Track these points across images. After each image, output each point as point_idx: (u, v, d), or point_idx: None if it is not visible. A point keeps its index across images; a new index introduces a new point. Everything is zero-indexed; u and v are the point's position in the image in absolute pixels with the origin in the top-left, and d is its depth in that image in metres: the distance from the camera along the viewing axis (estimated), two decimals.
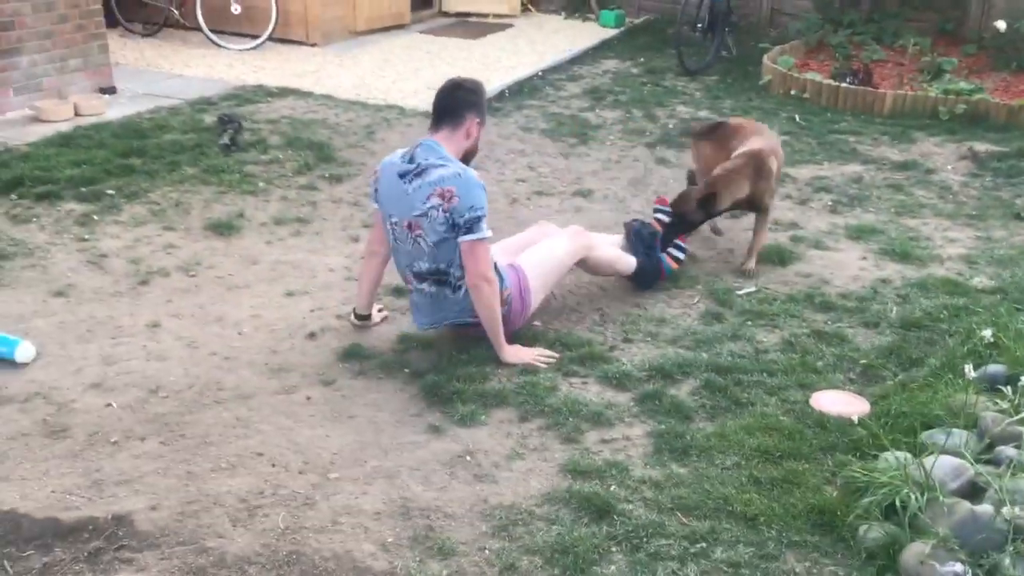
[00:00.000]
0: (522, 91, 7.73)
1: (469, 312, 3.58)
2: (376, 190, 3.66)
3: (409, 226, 3.50)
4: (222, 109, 6.58)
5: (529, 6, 10.91)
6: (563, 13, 10.81)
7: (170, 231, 4.75)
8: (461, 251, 3.45)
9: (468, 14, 10.71)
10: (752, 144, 4.47)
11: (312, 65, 8.29)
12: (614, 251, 4.21)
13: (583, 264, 4.06)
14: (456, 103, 3.58)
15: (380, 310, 3.95)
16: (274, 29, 8.73)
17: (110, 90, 7.00)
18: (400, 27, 9.93)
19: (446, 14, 10.75)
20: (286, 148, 5.99)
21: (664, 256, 4.37)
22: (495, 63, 8.59)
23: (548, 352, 3.63)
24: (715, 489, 2.81)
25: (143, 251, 4.51)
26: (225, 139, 5.93)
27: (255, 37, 8.71)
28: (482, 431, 3.14)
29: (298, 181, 5.49)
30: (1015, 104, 6.92)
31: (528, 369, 3.52)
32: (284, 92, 7.30)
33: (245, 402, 3.29)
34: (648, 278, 4.27)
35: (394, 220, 3.55)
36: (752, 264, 4.46)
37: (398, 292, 4.14)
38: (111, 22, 8.33)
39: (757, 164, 4.36)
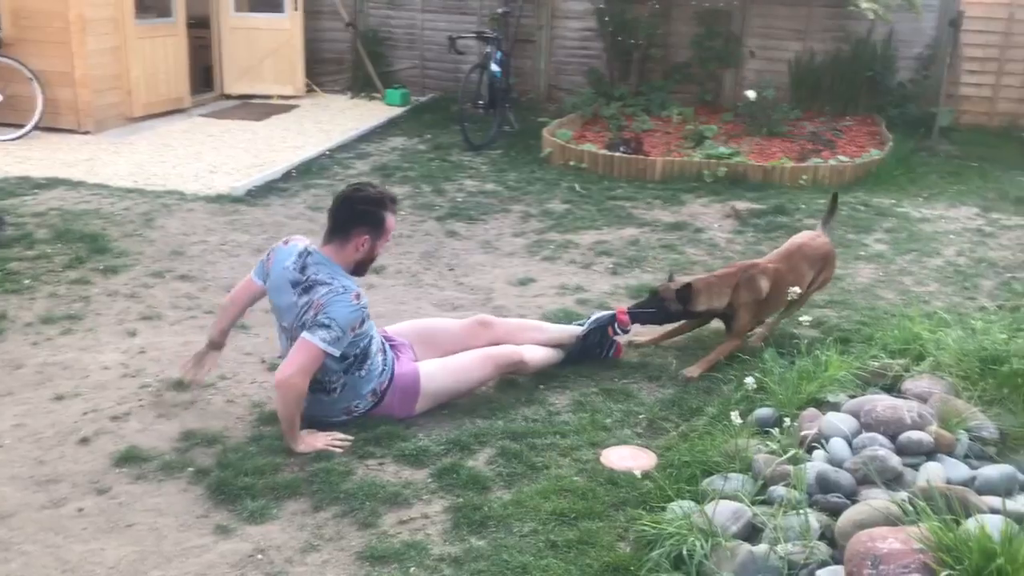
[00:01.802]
0: (310, 170, 7.67)
1: (341, 411, 3.65)
2: (267, 274, 3.71)
3: (292, 334, 3.53)
4: None
5: (314, 87, 10.91)
6: (348, 93, 10.88)
7: None
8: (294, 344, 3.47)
9: (251, 96, 10.58)
10: (764, 259, 4.46)
11: (84, 154, 7.89)
12: (543, 356, 4.14)
13: (512, 373, 4.06)
14: (345, 218, 3.61)
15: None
16: (41, 117, 8.28)
17: None
18: (180, 111, 9.67)
19: (228, 96, 10.57)
20: (55, 242, 5.63)
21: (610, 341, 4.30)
22: (281, 143, 8.50)
23: (341, 436, 3.54)
24: (513, 559, 2.81)
25: None
26: None
27: (19, 126, 8.23)
28: (274, 526, 3.01)
29: (68, 276, 5.16)
30: (768, 165, 7.56)
31: (322, 455, 3.42)
32: (53, 183, 6.90)
33: (6, 522, 3.00)
34: (581, 359, 4.24)
35: (284, 324, 3.63)
36: (695, 372, 4.12)
37: (179, 386, 3.94)
38: None
39: (746, 279, 4.26)
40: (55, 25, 8.33)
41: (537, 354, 4.11)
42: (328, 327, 3.41)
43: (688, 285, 4.23)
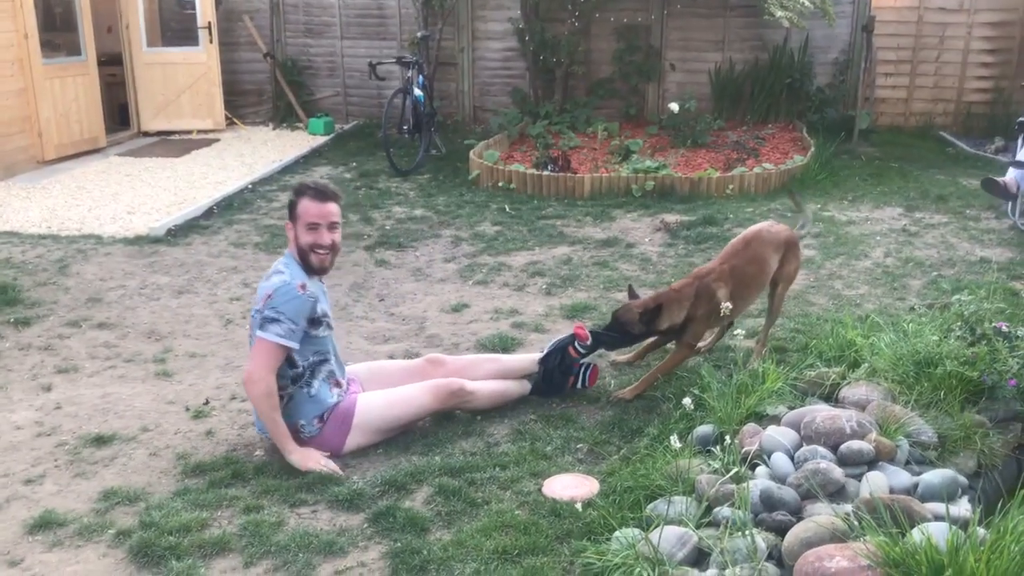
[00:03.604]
0: (232, 206, 7.48)
1: (288, 428, 3.56)
2: None
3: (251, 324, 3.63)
4: None
5: (234, 120, 10.69)
6: (270, 124, 10.70)
7: None
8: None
9: (170, 132, 10.33)
10: (714, 264, 4.19)
11: None
12: (494, 388, 3.97)
13: (461, 408, 3.91)
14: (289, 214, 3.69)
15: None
16: None
17: None
18: (96, 151, 9.40)
19: (146, 133, 10.31)
20: None
21: (583, 367, 4.12)
22: (201, 180, 8.28)
23: (328, 461, 3.50)
24: None
25: None
26: None
27: None
28: None
29: None
30: (695, 176, 7.60)
31: (252, 507, 3.26)
32: None
33: None
34: (549, 389, 4.08)
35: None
36: (629, 394, 4.03)
37: (99, 441, 3.75)
38: None
39: (700, 289, 4.04)
40: None
41: (486, 387, 3.95)
42: (278, 320, 3.46)
43: (657, 307, 3.98)
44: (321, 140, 9.87)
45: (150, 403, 4.12)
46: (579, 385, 4.11)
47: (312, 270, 3.64)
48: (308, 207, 3.60)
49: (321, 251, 3.62)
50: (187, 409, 4.04)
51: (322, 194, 3.64)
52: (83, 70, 9.29)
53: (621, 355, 4.41)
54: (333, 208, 3.65)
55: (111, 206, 7.43)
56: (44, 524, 3.18)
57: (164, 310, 5.25)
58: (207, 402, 4.09)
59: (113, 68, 10.10)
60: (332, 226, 3.64)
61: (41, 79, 8.67)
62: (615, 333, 4.11)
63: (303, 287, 3.52)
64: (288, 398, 3.60)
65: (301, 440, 3.62)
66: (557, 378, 4.08)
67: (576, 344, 4.09)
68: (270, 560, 2.97)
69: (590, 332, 4.12)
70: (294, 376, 3.59)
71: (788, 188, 5.10)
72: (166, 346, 4.76)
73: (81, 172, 8.62)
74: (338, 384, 3.72)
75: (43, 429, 3.89)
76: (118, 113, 10.27)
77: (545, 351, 4.14)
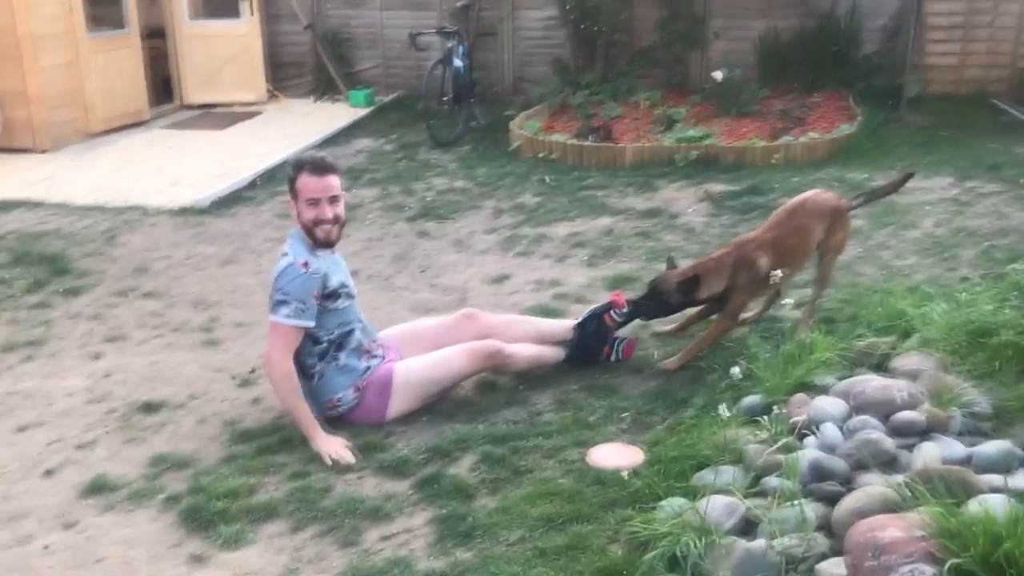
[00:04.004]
0: (275, 177, 7.50)
1: (325, 405, 3.62)
2: None
3: None
4: None
5: (276, 92, 10.72)
6: (311, 97, 10.70)
7: None
8: None
9: (213, 105, 10.37)
10: (756, 234, 4.12)
11: (42, 173, 7.69)
12: (531, 352, 3.94)
13: (497, 371, 3.90)
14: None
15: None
16: None
17: None
18: (140, 124, 9.47)
19: (189, 106, 10.37)
20: (13, 266, 5.46)
21: (619, 340, 4.06)
22: (245, 152, 8.32)
23: (346, 452, 3.41)
24: (502, 570, 2.70)
25: None
26: None
27: None
28: (251, 551, 2.88)
29: (28, 300, 5.00)
30: (740, 146, 7.48)
31: (298, 472, 3.29)
32: (10, 205, 6.72)
33: None
34: (583, 355, 4.03)
35: None
36: (673, 365, 3.99)
37: (148, 408, 3.81)
38: None
39: (740, 258, 3.96)
40: (5, 43, 8.11)
41: (523, 350, 3.92)
42: (286, 302, 3.47)
43: (694, 277, 3.93)
44: (362, 112, 9.86)
45: (197, 371, 4.17)
46: (614, 358, 4.05)
47: (319, 244, 3.61)
48: (307, 182, 3.56)
49: (325, 225, 3.59)
50: (234, 377, 4.09)
51: (319, 168, 3.59)
52: (127, 43, 9.36)
53: (664, 325, 4.36)
54: (332, 181, 3.60)
55: (156, 178, 7.51)
56: (97, 488, 3.25)
57: (210, 280, 5.30)
58: (253, 370, 4.12)
59: (156, 41, 10.15)
60: (333, 199, 3.59)
61: (87, 53, 8.76)
62: (652, 303, 4.06)
63: (305, 265, 3.49)
64: (319, 376, 3.62)
65: (341, 414, 3.64)
66: (591, 346, 4.02)
67: (612, 311, 4.03)
68: (317, 525, 3.00)
69: (627, 301, 4.08)
70: (320, 352, 3.60)
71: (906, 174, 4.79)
72: (212, 315, 4.81)
73: (126, 144, 8.71)
74: (368, 351, 3.70)
75: (94, 396, 3.96)
76: (161, 86, 10.34)
77: (581, 317, 4.10)
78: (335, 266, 3.67)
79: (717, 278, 3.95)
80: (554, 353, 4.04)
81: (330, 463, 3.34)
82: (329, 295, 3.57)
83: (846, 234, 4.33)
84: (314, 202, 3.57)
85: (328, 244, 3.64)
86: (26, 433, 3.68)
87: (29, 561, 2.87)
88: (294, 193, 3.61)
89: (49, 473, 3.37)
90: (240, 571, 2.78)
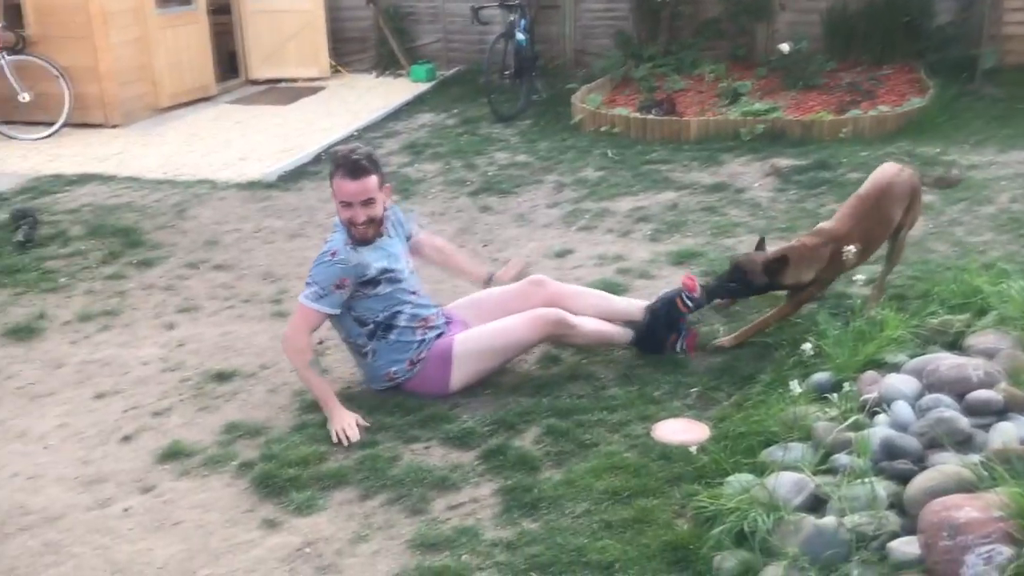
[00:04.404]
0: None
1: (383, 378, 3.69)
2: None
3: None
4: (15, 204, 6.13)
5: (339, 67, 10.80)
6: (374, 72, 10.76)
7: None
8: None
9: (277, 80, 10.50)
10: (847, 225, 3.93)
11: (114, 148, 7.88)
12: (596, 328, 3.87)
13: (560, 342, 3.89)
14: None
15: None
16: (69, 114, 8.27)
17: None
18: (207, 99, 9.62)
19: (254, 82, 10.50)
20: (89, 238, 5.62)
21: (684, 331, 3.94)
22: (309, 127, 8.42)
23: (361, 422, 3.46)
24: (568, 541, 2.73)
25: None
26: (19, 236, 5.53)
27: (49, 124, 8.22)
28: (322, 517, 2.95)
29: (104, 272, 5.14)
30: (807, 119, 7.34)
31: (366, 442, 3.35)
32: (84, 179, 6.89)
33: (54, 524, 2.98)
34: (651, 340, 3.92)
35: None
36: (729, 342, 3.91)
37: (220, 377, 3.90)
38: None
39: (836, 253, 3.82)
40: (77, 20, 8.30)
41: (588, 324, 3.83)
42: (311, 285, 3.55)
43: (782, 258, 3.78)
44: (424, 87, 9.88)
45: (268, 341, 4.25)
46: (678, 348, 3.93)
47: (355, 241, 3.62)
48: (340, 185, 3.55)
49: (359, 226, 3.60)
50: None
51: (354, 171, 3.53)
52: (194, 19, 9.50)
53: (725, 339, 4.05)
54: (367, 184, 3.54)
55: (224, 152, 7.64)
56: (173, 454, 3.35)
57: (278, 253, 5.39)
58: (321, 342, 4.18)
59: (222, 17, 10.29)
60: (367, 202, 3.56)
61: (155, 28, 8.91)
62: (734, 284, 3.95)
63: (333, 254, 3.53)
64: (372, 353, 3.67)
65: (399, 385, 3.68)
66: (661, 331, 3.91)
67: (684, 296, 3.92)
68: (386, 493, 3.06)
69: (702, 286, 3.96)
70: (368, 333, 3.64)
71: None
72: (281, 287, 4.90)
73: (194, 119, 8.87)
74: (424, 325, 3.71)
75: (168, 365, 4.07)
76: (227, 62, 10.48)
77: (653, 301, 4.00)
78: (379, 252, 3.64)
79: (808, 267, 3.83)
80: (621, 334, 3.94)
81: (336, 440, 3.37)
82: (368, 282, 3.58)
83: (920, 208, 4.24)
84: (347, 204, 3.57)
85: (364, 242, 3.62)
86: (104, 400, 3.80)
87: (109, 523, 2.98)
88: (332, 189, 3.63)
89: (127, 439, 3.48)
90: (312, 536, 2.85)
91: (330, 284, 3.52)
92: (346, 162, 3.56)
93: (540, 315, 3.72)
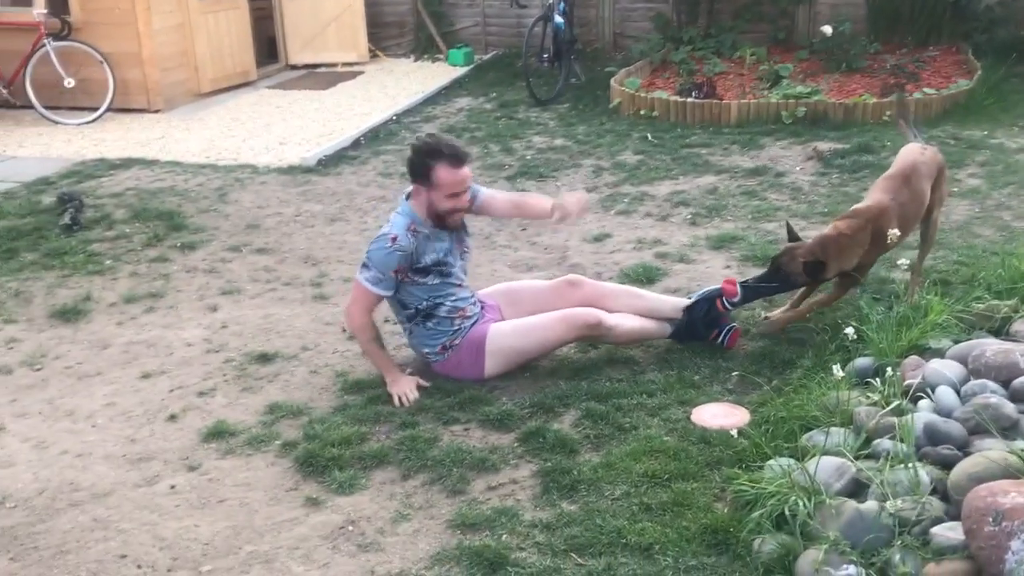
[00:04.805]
0: (378, 137, 7.63)
1: (418, 343, 3.76)
2: None
3: None
4: (61, 188, 6.24)
5: (377, 52, 10.84)
6: (412, 56, 10.79)
7: (11, 324, 4.42)
8: None
9: (316, 65, 10.56)
10: (880, 203, 3.86)
11: (157, 132, 7.99)
12: (632, 326, 3.82)
13: (596, 341, 3.86)
14: (408, 168, 3.67)
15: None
16: (112, 99, 8.39)
17: None
18: (247, 84, 9.71)
19: (294, 67, 10.58)
20: (133, 221, 5.71)
21: (727, 326, 3.87)
22: (348, 111, 8.47)
23: (421, 383, 3.63)
24: (607, 523, 2.74)
25: None
26: (66, 219, 5.62)
27: (93, 109, 8.35)
28: (363, 496, 2.99)
29: (148, 254, 5.22)
30: (849, 102, 7.24)
31: (407, 423, 3.39)
32: (128, 163, 7.00)
33: (103, 501, 3.04)
34: (691, 334, 3.88)
35: None
36: (780, 320, 3.90)
37: (263, 359, 3.96)
38: None
39: (877, 233, 3.75)
40: (121, 7, 8.41)
41: (626, 322, 3.78)
42: (368, 267, 3.58)
43: (820, 263, 3.71)
44: (461, 71, 9.89)
45: (308, 324, 4.30)
46: (720, 341, 3.86)
47: (446, 227, 3.65)
48: (447, 175, 3.52)
49: (460, 213, 3.63)
50: (343, 330, 4.20)
51: (460, 159, 3.54)
52: (234, 4, 9.57)
53: (774, 312, 4.08)
54: (469, 169, 3.60)
55: (264, 137, 7.71)
56: (217, 433, 3.40)
57: (318, 236, 5.44)
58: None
59: (261, 2, 10.36)
60: (466, 189, 3.63)
61: (196, 14, 9.00)
62: (774, 284, 3.89)
63: (394, 240, 3.52)
64: (410, 332, 3.76)
65: (431, 364, 3.75)
66: (700, 331, 3.86)
67: (723, 299, 3.84)
68: (426, 473, 3.09)
69: (741, 287, 3.88)
70: (408, 316, 3.71)
71: (896, 114, 4.76)
72: (321, 271, 4.95)
73: (235, 104, 8.96)
74: (463, 313, 3.71)
75: (211, 346, 4.13)
76: (266, 47, 10.56)
77: (693, 299, 3.93)
78: (438, 243, 3.64)
79: (850, 255, 3.77)
80: (659, 329, 3.89)
81: (397, 403, 3.52)
82: (419, 270, 3.60)
83: (947, 186, 4.26)
84: (455, 194, 3.57)
85: (455, 228, 3.68)
86: (149, 380, 3.87)
87: (157, 500, 3.04)
88: (429, 183, 3.54)
89: (172, 418, 3.55)
90: (354, 515, 2.89)
91: (389, 270, 3.55)
92: (452, 151, 3.55)
93: (575, 315, 3.71)
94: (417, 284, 3.63)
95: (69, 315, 4.48)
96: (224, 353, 4.07)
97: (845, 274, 3.86)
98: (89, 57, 8.35)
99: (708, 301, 3.87)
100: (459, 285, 3.76)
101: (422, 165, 3.56)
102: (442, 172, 3.52)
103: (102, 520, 2.94)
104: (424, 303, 3.65)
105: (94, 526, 2.92)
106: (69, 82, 8.28)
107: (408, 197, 3.70)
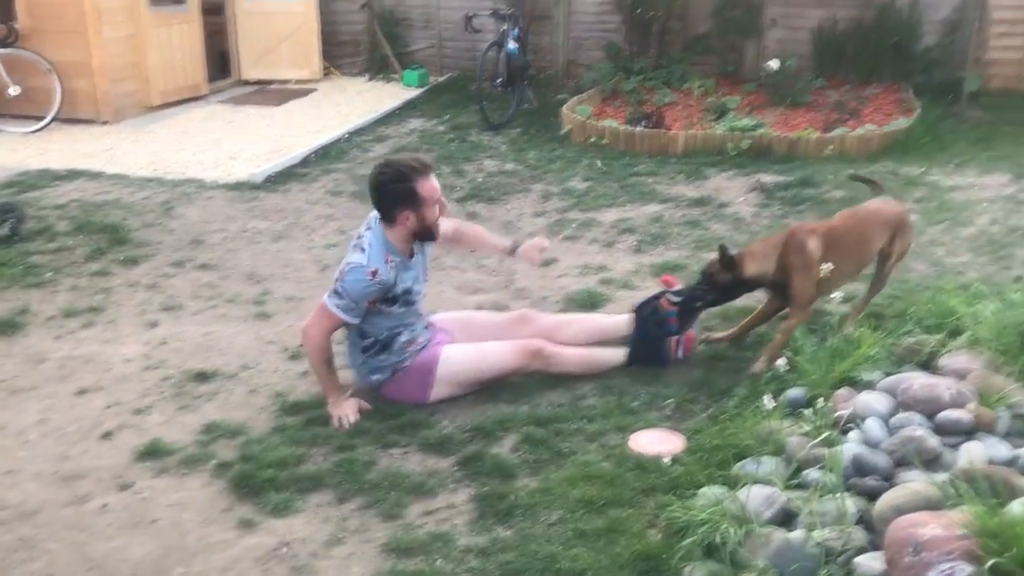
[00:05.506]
0: (328, 155, 7.61)
1: (361, 375, 3.76)
2: None
3: None
4: (2, 198, 6.12)
5: (331, 70, 10.83)
6: (366, 75, 10.79)
7: None
8: None
9: (268, 81, 10.51)
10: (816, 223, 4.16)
11: (104, 144, 7.88)
12: (581, 354, 3.90)
13: (547, 370, 3.85)
14: (382, 203, 3.59)
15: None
16: (60, 109, 8.27)
17: None
18: (198, 98, 9.62)
19: (246, 82, 10.51)
20: (76, 233, 5.62)
21: (678, 338, 3.97)
22: (299, 128, 8.44)
23: (364, 406, 3.61)
24: (541, 548, 2.76)
25: None
26: (5, 229, 5.51)
27: (39, 119, 8.23)
28: (298, 519, 2.97)
29: (90, 268, 5.14)
30: (793, 136, 7.41)
31: (344, 445, 3.38)
32: (73, 174, 6.89)
33: (30, 519, 2.99)
34: (647, 357, 3.95)
35: None
36: (761, 366, 3.81)
37: (201, 377, 3.92)
38: None
39: (789, 237, 3.95)
40: (70, 15, 8.30)
41: (570, 351, 3.87)
42: (340, 295, 3.52)
43: (731, 256, 3.94)
44: (415, 92, 9.92)
45: (250, 342, 4.27)
46: (680, 354, 3.95)
47: (433, 239, 3.68)
48: (428, 187, 3.53)
49: (438, 223, 3.64)
50: (285, 349, 4.18)
51: (427, 166, 3.59)
52: (187, 18, 9.51)
53: (717, 333, 4.24)
54: None
55: (213, 152, 7.65)
56: (152, 452, 3.36)
57: (263, 254, 5.41)
58: (302, 344, 4.21)
59: (214, 17, 10.29)
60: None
61: (148, 26, 8.91)
62: (705, 287, 4.07)
63: (374, 274, 3.49)
64: (362, 361, 3.74)
65: (378, 389, 3.74)
66: (651, 331, 3.94)
67: (667, 294, 4.00)
68: (362, 497, 3.08)
69: (677, 293, 4.05)
70: (365, 347, 3.69)
71: (853, 174, 5.08)
72: (265, 288, 4.92)
73: (185, 118, 8.87)
74: (415, 343, 3.74)
75: (150, 363, 4.09)
76: (218, 61, 10.48)
77: (637, 304, 4.08)
78: (408, 272, 3.64)
79: (763, 257, 3.95)
80: (612, 354, 3.95)
81: (336, 425, 3.50)
82: (388, 300, 3.60)
83: (910, 239, 4.37)
84: (436, 202, 3.58)
85: (434, 238, 3.69)
86: (85, 396, 3.81)
87: (86, 520, 2.99)
88: (416, 203, 3.51)
89: (107, 436, 3.49)
90: (288, 537, 2.87)
91: (362, 301, 3.53)
92: (418, 162, 3.58)
93: (521, 345, 3.82)
94: (383, 313, 3.62)
95: (5, 328, 4.40)
96: (163, 370, 4.02)
97: (783, 291, 3.96)
98: (36, 65, 8.22)
99: (652, 301, 4.03)
100: (420, 315, 3.80)
101: (404, 191, 3.50)
102: (424, 186, 3.53)
103: (28, 539, 2.89)
104: (384, 334, 3.66)
105: (19, 546, 2.86)
106: (14, 90, 8.15)
107: (376, 219, 3.62)
